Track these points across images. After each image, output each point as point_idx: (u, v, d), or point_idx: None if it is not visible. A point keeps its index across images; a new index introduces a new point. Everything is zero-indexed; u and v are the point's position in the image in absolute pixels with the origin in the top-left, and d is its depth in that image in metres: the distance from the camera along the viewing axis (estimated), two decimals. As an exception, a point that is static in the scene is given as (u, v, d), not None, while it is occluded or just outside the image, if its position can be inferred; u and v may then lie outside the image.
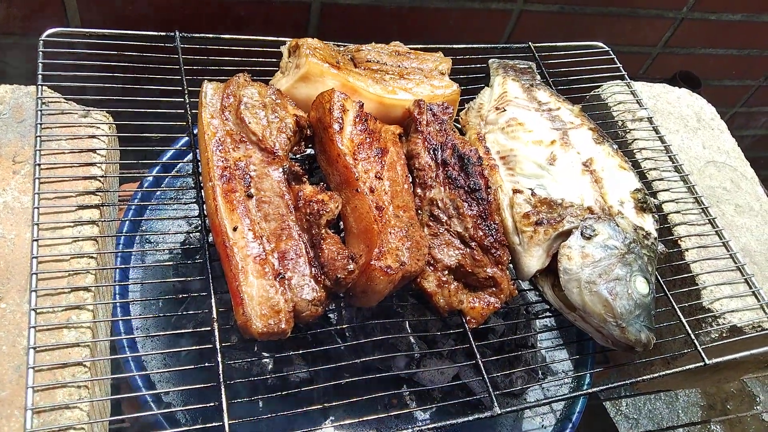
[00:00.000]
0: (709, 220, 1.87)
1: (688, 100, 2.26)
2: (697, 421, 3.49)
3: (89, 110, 1.56)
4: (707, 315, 1.71)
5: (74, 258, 1.35)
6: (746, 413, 3.47)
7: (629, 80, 2.17)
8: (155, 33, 1.73)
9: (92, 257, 1.36)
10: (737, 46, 3.28)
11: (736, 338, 1.70)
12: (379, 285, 1.37)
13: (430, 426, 1.58)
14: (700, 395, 3.59)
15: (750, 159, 2.24)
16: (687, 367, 1.60)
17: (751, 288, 1.75)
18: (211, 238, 1.42)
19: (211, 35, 1.80)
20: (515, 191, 1.63)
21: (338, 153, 1.50)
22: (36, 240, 1.33)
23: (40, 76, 1.55)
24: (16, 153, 1.46)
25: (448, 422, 1.43)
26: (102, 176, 1.48)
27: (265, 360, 1.61)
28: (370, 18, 2.53)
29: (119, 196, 1.76)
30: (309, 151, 1.66)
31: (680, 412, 3.57)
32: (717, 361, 1.60)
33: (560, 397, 1.78)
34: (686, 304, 1.72)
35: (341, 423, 1.62)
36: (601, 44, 2.24)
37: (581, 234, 1.54)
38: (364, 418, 1.52)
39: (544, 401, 1.70)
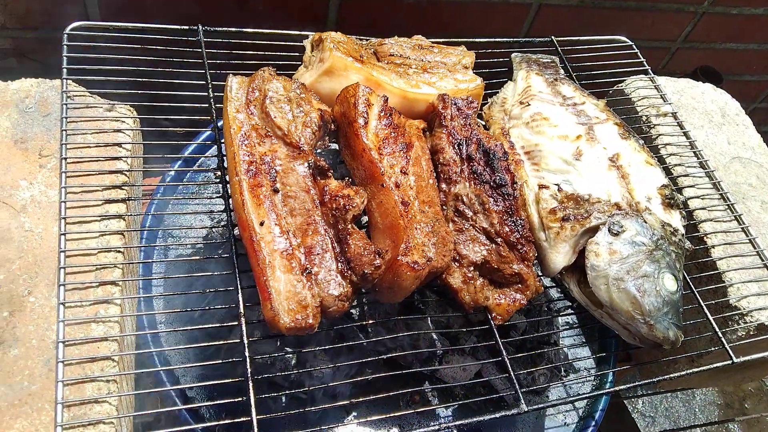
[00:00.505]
0: (735, 216, 1.85)
1: (713, 96, 2.24)
2: (714, 421, 3.47)
3: (114, 104, 1.56)
4: (734, 313, 1.69)
5: (101, 252, 1.34)
6: (765, 413, 3.44)
7: (653, 75, 2.15)
8: (178, 27, 1.73)
9: (119, 251, 1.36)
10: (759, 41, 3.24)
11: (764, 336, 1.68)
12: (406, 281, 1.36)
13: (452, 423, 1.58)
14: (717, 394, 3.56)
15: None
16: (714, 365, 1.59)
17: (778, 286, 1.73)
18: (236, 232, 1.41)
19: (233, 29, 1.79)
20: (541, 186, 1.62)
21: (363, 148, 1.48)
22: (63, 234, 1.33)
23: (64, 70, 1.55)
24: (43, 147, 1.46)
25: (474, 419, 1.42)
26: (128, 170, 1.48)
27: (288, 355, 1.60)
28: (389, 12, 2.52)
29: (144, 190, 1.76)
30: (333, 146, 1.65)
31: (697, 410, 3.55)
32: (745, 359, 1.58)
33: (585, 396, 1.77)
34: (713, 302, 1.70)
35: (364, 420, 1.62)
36: (624, 38, 2.21)
37: (609, 230, 1.52)
38: (387, 416, 1.51)
39: (569, 399, 1.69)
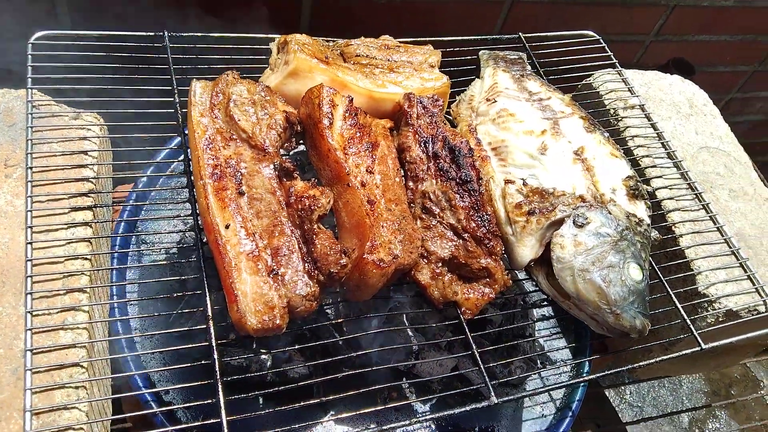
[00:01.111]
0: (702, 205, 1.87)
1: (681, 87, 2.26)
2: (700, 406, 3.50)
3: (80, 112, 1.57)
4: (703, 300, 1.71)
5: (69, 260, 1.35)
6: (749, 396, 3.47)
7: (620, 68, 2.17)
8: (144, 33, 1.74)
9: (86, 258, 1.37)
10: (731, 32, 3.27)
11: (733, 322, 1.70)
12: (372, 278, 1.38)
13: (428, 417, 1.59)
14: (704, 381, 3.59)
15: (746, 145, 2.24)
16: (684, 352, 1.61)
17: (746, 272, 1.75)
18: (204, 237, 1.42)
19: (199, 34, 1.80)
20: (507, 182, 1.64)
21: (329, 148, 1.50)
22: (30, 243, 1.33)
23: (29, 80, 1.55)
24: (8, 157, 1.47)
25: (446, 413, 1.43)
26: (94, 178, 1.48)
27: (263, 356, 1.61)
28: (363, 12, 2.53)
29: (114, 198, 1.77)
30: (301, 147, 1.67)
31: (684, 398, 3.57)
32: (713, 345, 1.60)
33: (558, 385, 1.79)
34: (681, 290, 1.72)
35: (341, 416, 1.63)
36: (591, 33, 2.24)
37: (573, 222, 1.54)
38: (364, 411, 1.52)
39: (542, 389, 1.71)
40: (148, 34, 1.74)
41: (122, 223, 1.73)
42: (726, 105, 3.70)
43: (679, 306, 1.65)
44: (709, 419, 3.45)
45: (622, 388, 3.34)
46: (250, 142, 1.47)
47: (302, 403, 1.36)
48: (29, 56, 1.58)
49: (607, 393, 3.18)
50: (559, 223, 1.56)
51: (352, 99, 1.59)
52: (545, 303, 1.95)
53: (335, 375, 1.45)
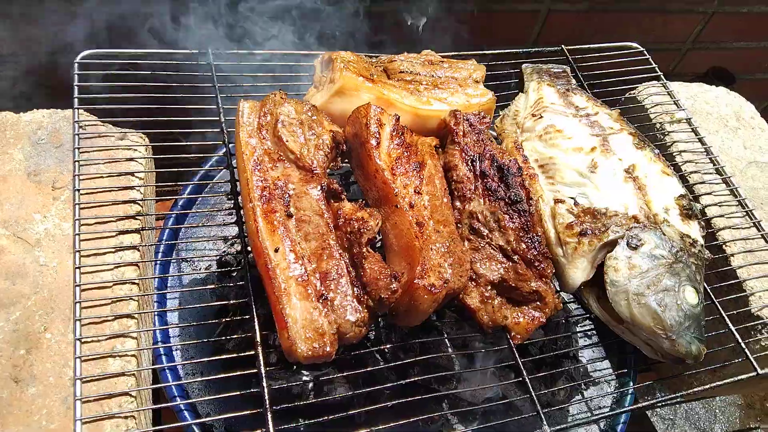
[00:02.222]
0: (754, 223, 1.82)
1: (727, 99, 2.21)
2: (734, 419, 3.42)
3: (126, 132, 1.56)
4: (757, 322, 1.66)
5: (117, 284, 1.34)
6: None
7: (665, 81, 2.12)
8: (188, 51, 1.72)
9: (134, 283, 1.35)
10: (771, 38, 3.21)
11: (788, 346, 1.65)
12: (423, 304, 1.35)
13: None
14: (737, 395, 3.52)
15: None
16: (739, 377, 1.56)
17: (801, 293, 1.70)
18: (250, 258, 1.40)
19: (243, 51, 1.78)
20: (557, 201, 1.60)
21: (376, 168, 1.47)
22: (78, 267, 1.32)
23: (75, 100, 1.54)
24: (56, 179, 1.46)
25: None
26: (141, 200, 1.47)
27: (305, 378, 1.59)
28: (399, 26, 2.51)
29: (156, 215, 1.75)
30: (345, 165, 1.64)
31: (717, 412, 3.50)
32: (770, 371, 1.55)
33: (607, 414, 1.74)
34: (734, 312, 1.67)
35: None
36: (635, 45, 2.19)
37: (627, 244, 1.50)
38: (410, 437, 1.50)
39: (593, 418, 1.67)
40: (192, 51, 1.73)
41: (164, 245, 1.71)
42: (764, 112, 3.63)
43: (733, 329, 1.60)
44: (743, 432, 3.38)
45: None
46: (297, 163, 1.45)
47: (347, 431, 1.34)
48: (75, 75, 1.57)
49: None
50: (612, 244, 1.52)
51: (399, 118, 1.56)
52: (589, 323, 1.91)
53: (383, 404, 1.42)
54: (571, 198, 1.61)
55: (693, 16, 2.96)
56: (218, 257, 1.76)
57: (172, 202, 1.82)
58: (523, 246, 1.50)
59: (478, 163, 1.60)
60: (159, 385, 1.40)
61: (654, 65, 2.14)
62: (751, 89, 3.34)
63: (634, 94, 2.15)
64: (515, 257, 1.50)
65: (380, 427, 1.34)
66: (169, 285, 1.70)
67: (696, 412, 3.47)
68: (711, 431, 3.39)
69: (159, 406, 1.37)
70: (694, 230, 1.59)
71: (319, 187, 1.44)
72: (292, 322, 1.26)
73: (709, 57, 3.17)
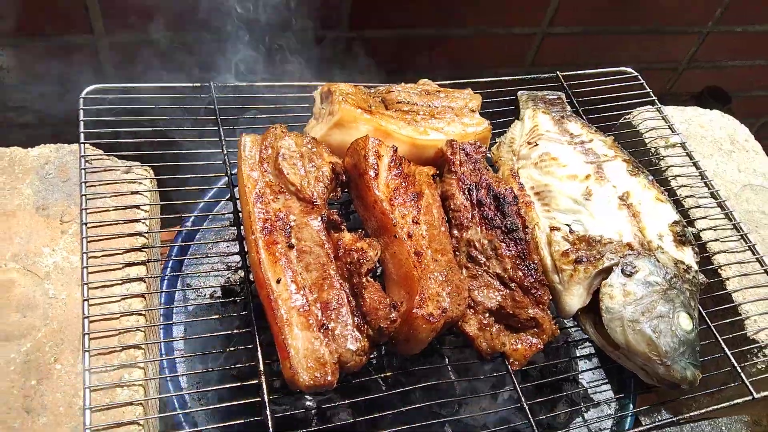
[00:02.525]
0: (749, 246, 1.85)
1: (721, 122, 2.24)
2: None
3: (131, 166, 1.60)
4: (752, 346, 1.69)
5: (124, 316, 1.38)
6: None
7: (660, 105, 2.16)
8: (191, 85, 1.77)
9: (141, 314, 1.39)
10: (765, 57, 3.26)
11: (784, 369, 1.68)
12: (422, 333, 1.38)
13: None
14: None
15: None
16: (735, 401, 1.58)
17: (796, 316, 1.73)
18: (253, 287, 1.44)
19: (244, 84, 1.83)
20: (552, 228, 1.63)
21: (375, 199, 1.51)
22: (86, 300, 1.36)
23: (81, 135, 1.59)
24: (63, 212, 1.50)
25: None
26: (147, 232, 1.51)
27: (308, 403, 1.62)
28: (398, 49, 2.56)
29: (161, 246, 1.79)
30: (345, 195, 1.68)
31: (723, 429, 3.50)
32: (765, 394, 1.58)
33: (607, 434, 1.77)
34: (730, 336, 1.70)
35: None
36: (629, 69, 2.23)
37: (622, 271, 1.53)
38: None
39: (591, 440, 1.69)
40: (195, 85, 1.77)
41: (170, 275, 1.75)
42: (761, 128, 3.67)
43: (728, 353, 1.63)
44: (751, 452, 3.38)
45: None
46: (298, 195, 1.49)
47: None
48: (81, 111, 1.62)
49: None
50: (607, 271, 1.55)
51: (397, 149, 1.60)
52: (589, 345, 1.94)
53: (386, 431, 1.44)
54: (567, 225, 1.64)
55: (688, 36, 3.01)
56: (222, 286, 1.80)
57: (176, 233, 1.86)
58: (520, 274, 1.53)
59: (474, 192, 1.64)
60: (166, 414, 1.44)
61: (648, 90, 2.18)
62: (746, 107, 3.40)
63: (629, 119, 2.18)
64: (512, 285, 1.53)
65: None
66: (174, 313, 1.74)
67: (702, 429, 3.48)
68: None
69: (165, 434, 1.40)
70: (688, 256, 1.63)
71: (319, 218, 1.48)
72: (294, 352, 1.30)
73: (704, 76, 3.22)
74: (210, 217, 1.90)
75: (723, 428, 3.58)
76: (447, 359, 1.72)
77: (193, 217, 1.86)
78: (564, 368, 1.84)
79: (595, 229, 1.62)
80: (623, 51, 2.94)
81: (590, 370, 1.93)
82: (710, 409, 1.60)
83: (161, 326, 1.58)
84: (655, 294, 1.51)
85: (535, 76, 2.18)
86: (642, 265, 1.55)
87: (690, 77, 3.20)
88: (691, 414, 1.61)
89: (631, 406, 1.82)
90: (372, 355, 1.66)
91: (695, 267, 1.61)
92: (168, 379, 1.54)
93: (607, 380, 1.92)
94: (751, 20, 3.01)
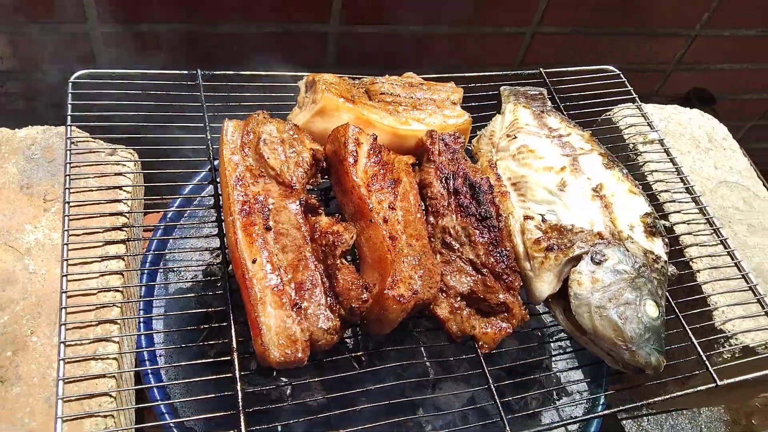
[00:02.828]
0: (720, 240, 1.89)
1: (700, 121, 2.28)
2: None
3: (116, 148, 1.64)
4: (719, 336, 1.72)
5: (101, 292, 1.41)
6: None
7: (640, 103, 2.20)
8: (178, 72, 1.81)
9: (118, 290, 1.43)
10: (753, 60, 3.29)
11: (749, 359, 1.71)
12: (392, 314, 1.42)
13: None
14: (723, 410, 3.56)
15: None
16: (699, 388, 1.62)
17: (763, 308, 1.76)
18: (231, 269, 1.48)
19: (231, 72, 1.87)
20: (526, 217, 1.67)
21: (353, 185, 1.55)
22: (65, 275, 1.40)
23: (68, 117, 1.63)
24: (47, 192, 1.54)
25: (462, 445, 1.47)
26: (128, 212, 1.55)
27: (283, 386, 1.66)
28: (387, 46, 2.60)
29: (143, 227, 1.83)
30: (325, 182, 1.72)
31: (703, 427, 3.54)
32: (728, 382, 1.61)
33: (574, 420, 1.81)
34: (698, 326, 1.73)
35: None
36: (611, 68, 2.27)
37: (591, 259, 1.57)
38: (382, 441, 1.56)
39: (558, 423, 1.73)
40: (182, 72, 1.81)
41: (152, 255, 1.79)
42: (749, 131, 3.71)
43: (695, 341, 1.66)
44: (729, 449, 3.42)
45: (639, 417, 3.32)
46: (278, 179, 1.53)
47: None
48: (69, 94, 1.66)
49: (624, 421, 3.17)
50: (577, 259, 1.59)
51: (377, 137, 1.64)
52: (563, 336, 1.98)
53: (354, 408, 1.48)
54: (540, 215, 1.68)
55: (676, 39, 3.04)
56: (204, 267, 1.84)
57: (160, 215, 1.90)
58: (492, 260, 1.57)
59: (451, 181, 1.67)
60: (139, 387, 1.47)
61: (629, 88, 2.22)
62: (734, 109, 3.44)
63: (609, 115, 2.22)
64: (484, 270, 1.57)
65: (356, 428, 1.41)
66: (156, 293, 1.78)
67: (682, 427, 3.51)
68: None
69: (137, 406, 1.44)
70: (658, 247, 1.66)
71: (297, 202, 1.52)
72: (266, 329, 1.33)
73: (692, 78, 3.25)
74: (196, 200, 1.95)
75: (703, 427, 3.62)
76: (422, 344, 1.76)
77: (177, 200, 1.90)
78: (537, 355, 1.88)
79: (567, 218, 1.66)
80: (612, 52, 2.97)
81: (563, 355, 1.96)
82: (676, 395, 1.64)
83: (139, 302, 1.62)
84: (622, 282, 1.55)
85: (519, 72, 2.22)
86: (611, 253, 1.58)
87: (678, 79, 3.24)
88: (657, 399, 1.64)
89: (602, 392, 1.85)
90: (348, 336, 1.71)
91: (665, 258, 1.65)
92: (145, 354, 1.58)
93: (579, 368, 1.95)
94: (739, 24, 3.05)
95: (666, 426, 3.42)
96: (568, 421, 1.77)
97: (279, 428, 1.60)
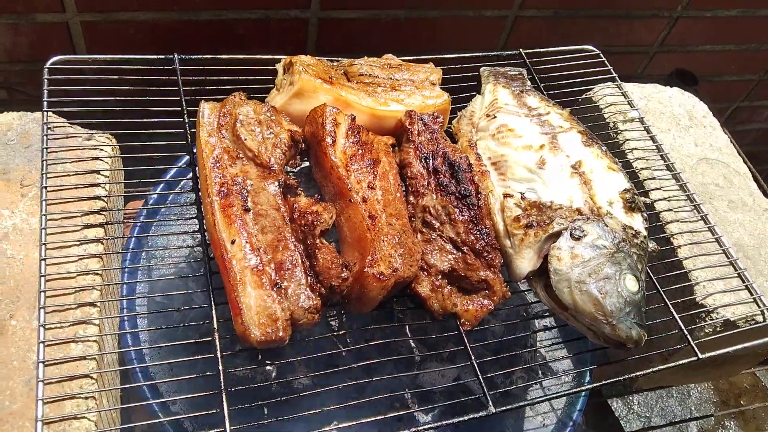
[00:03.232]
0: (701, 216, 1.90)
1: (680, 99, 2.29)
2: (709, 415, 3.48)
3: (93, 133, 1.63)
4: (701, 310, 1.74)
5: (80, 275, 1.41)
6: (759, 405, 3.45)
7: (620, 82, 2.21)
8: (155, 57, 1.80)
9: (98, 274, 1.43)
10: (735, 42, 3.30)
11: (731, 332, 1.72)
12: (372, 291, 1.42)
13: (429, 427, 1.63)
14: (713, 391, 3.58)
15: (753, 153, 2.26)
16: (681, 362, 1.63)
17: (744, 282, 1.78)
18: (211, 252, 1.47)
19: (208, 56, 1.86)
20: (506, 195, 1.68)
21: (331, 165, 1.55)
22: (44, 259, 1.39)
23: (45, 103, 1.62)
24: (24, 177, 1.53)
25: (446, 422, 1.47)
26: (106, 196, 1.54)
27: (268, 367, 1.66)
28: (368, 31, 2.59)
29: (126, 214, 1.83)
30: (306, 164, 1.72)
31: (693, 408, 3.56)
32: (710, 355, 1.63)
33: (557, 394, 1.82)
34: (680, 300, 1.75)
35: (343, 426, 1.66)
36: (591, 48, 2.27)
37: (570, 235, 1.58)
38: (366, 420, 1.57)
39: (541, 399, 1.73)
40: (159, 57, 1.80)
41: (132, 239, 1.78)
42: (733, 114, 3.72)
43: (676, 316, 1.68)
44: (718, 429, 3.44)
45: (629, 398, 3.33)
46: (255, 161, 1.53)
47: (305, 413, 1.41)
48: (45, 80, 1.65)
49: (613, 403, 3.18)
50: (557, 235, 1.59)
51: (354, 118, 1.64)
52: (547, 314, 1.99)
53: (337, 385, 1.49)
54: (520, 193, 1.68)
55: (658, 20, 3.05)
56: (186, 251, 1.84)
57: (143, 201, 1.90)
58: (472, 237, 1.58)
59: (431, 161, 1.68)
60: (118, 368, 1.47)
61: (609, 67, 2.23)
62: (717, 91, 3.45)
63: (590, 95, 2.23)
64: (464, 248, 1.57)
65: (337, 406, 1.41)
66: (138, 277, 1.78)
67: (672, 409, 3.53)
68: (686, 427, 3.45)
69: (118, 387, 1.44)
70: (637, 222, 1.67)
71: (276, 183, 1.52)
72: (246, 309, 1.33)
73: (675, 60, 3.26)
74: (180, 184, 1.94)
75: (693, 408, 3.65)
76: (405, 322, 1.76)
77: (160, 185, 1.90)
78: (521, 332, 1.89)
79: (547, 196, 1.66)
80: (594, 34, 2.97)
81: (547, 330, 1.97)
82: (658, 368, 1.65)
83: (120, 286, 1.62)
84: (602, 257, 1.56)
85: (499, 53, 2.22)
86: (590, 229, 1.59)
87: (661, 60, 3.25)
88: (638, 374, 1.66)
89: (588, 369, 1.87)
90: (332, 316, 1.71)
91: (644, 233, 1.66)
92: (127, 335, 1.58)
93: (563, 344, 1.96)
94: (720, 4, 3.05)
95: (656, 408, 3.44)
96: (551, 396, 1.79)
97: (264, 409, 1.60)
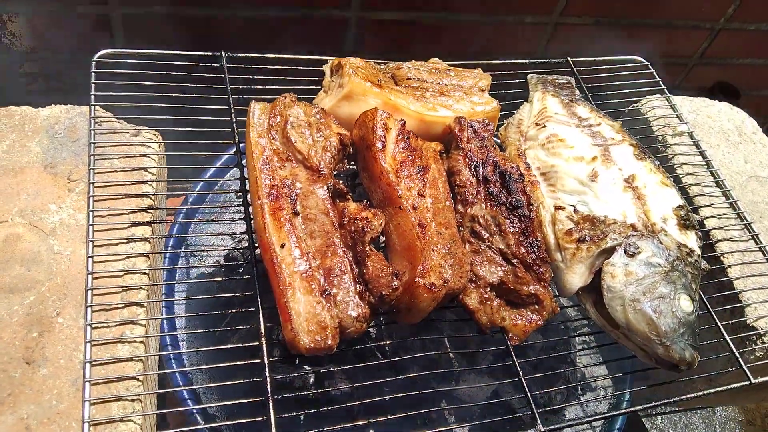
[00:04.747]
0: (752, 236, 1.86)
1: (729, 114, 2.24)
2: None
3: (140, 129, 1.61)
4: (751, 333, 1.69)
5: (127, 274, 1.39)
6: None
7: (669, 94, 2.16)
8: (202, 53, 1.78)
9: (144, 273, 1.40)
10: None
11: (782, 357, 1.68)
12: (423, 302, 1.39)
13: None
14: (738, 410, 3.53)
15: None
16: (732, 386, 1.59)
17: (796, 306, 1.73)
18: (257, 253, 1.45)
19: (255, 55, 1.84)
20: (557, 208, 1.64)
21: (381, 171, 1.52)
22: (91, 256, 1.37)
23: (92, 96, 1.60)
24: (71, 171, 1.51)
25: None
26: (153, 194, 1.52)
27: (307, 374, 1.63)
28: (407, 32, 2.56)
29: (168, 211, 1.80)
30: (351, 167, 1.69)
31: (717, 426, 3.51)
32: (763, 380, 1.58)
33: (602, 416, 1.78)
34: (729, 322, 1.70)
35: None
36: (639, 58, 2.23)
37: (625, 251, 1.54)
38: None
39: (587, 419, 1.70)
40: (206, 54, 1.78)
41: (173, 238, 1.76)
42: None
43: (727, 338, 1.63)
44: (743, 449, 3.39)
45: (652, 414, 3.29)
46: (305, 164, 1.50)
47: (346, 425, 1.38)
48: (93, 74, 1.63)
49: (643, 420, 3.14)
50: (610, 251, 1.55)
51: (404, 122, 1.61)
52: (588, 329, 1.95)
53: (381, 398, 1.45)
54: (572, 205, 1.64)
55: (699, 31, 3.00)
56: (226, 252, 1.81)
57: (183, 198, 1.87)
58: (523, 250, 1.54)
59: (481, 169, 1.64)
60: (165, 371, 1.45)
61: (658, 79, 2.18)
62: (756, 105, 3.39)
63: (637, 106, 2.18)
64: (515, 261, 1.54)
65: (377, 419, 1.38)
66: (177, 277, 1.75)
67: (696, 426, 3.48)
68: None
69: (164, 390, 1.41)
70: (692, 240, 1.63)
71: (325, 187, 1.49)
72: (295, 315, 1.31)
73: (715, 72, 3.21)
74: (218, 184, 1.92)
75: (717, 426, 3.58)
76: (445, 334, 1.73)
77: (201, 183, 1.87)
78: (562, 349, 1.84)
79: (599, 209, 1.62)
80: (634, 43, 2.93)
81: (588, 350, 1.93)
82: (707, 392, 1.60)
83: (164, 286, 1.60)
84: (656, 275, 1.52)
85: (546, 60, 2.18)
86: (645, 246, 1.55)
87: (700, 73, 3.20)
88: (688, 396, 1.61)
89: (628, 388, 1.83)
90: (371, 326, 1.68)
91: (698, 251, 1.62)
92: (168, 338, 1.55)
93: (604, 363, 1.92)
94: (763, 18, 3.00)
95: (680, 425, 3.39)
96: (596, 417, 1.75)
97: (302, 417, 1.57)
